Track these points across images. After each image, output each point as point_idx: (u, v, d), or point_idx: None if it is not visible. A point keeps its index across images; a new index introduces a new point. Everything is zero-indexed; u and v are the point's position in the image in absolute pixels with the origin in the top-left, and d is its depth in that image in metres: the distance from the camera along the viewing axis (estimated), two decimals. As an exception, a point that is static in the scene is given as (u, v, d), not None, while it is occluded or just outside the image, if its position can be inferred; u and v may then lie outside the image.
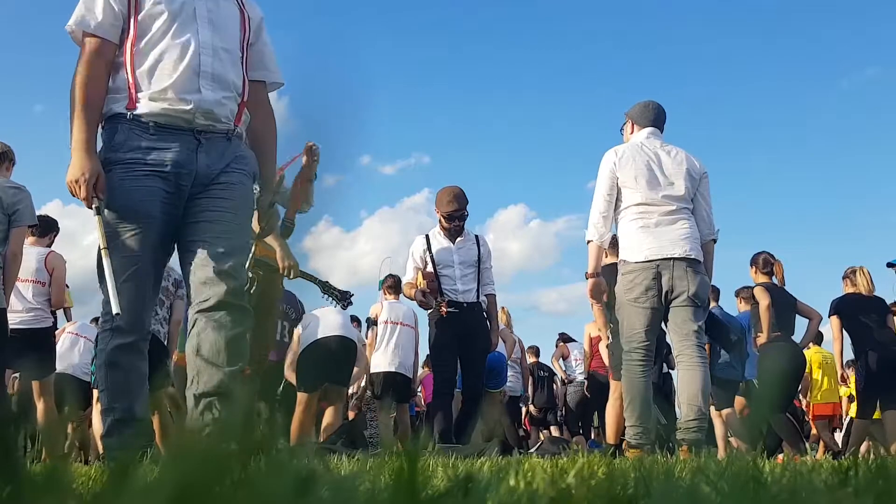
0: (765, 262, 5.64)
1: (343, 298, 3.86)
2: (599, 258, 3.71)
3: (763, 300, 5.47)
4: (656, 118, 3.85)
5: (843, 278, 5.88)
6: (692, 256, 3.54)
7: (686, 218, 3.62)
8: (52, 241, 5.10)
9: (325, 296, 3.87)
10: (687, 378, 3.43)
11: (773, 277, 5.63)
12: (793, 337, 5.60)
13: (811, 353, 7.94)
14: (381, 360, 6.19)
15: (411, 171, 27.16)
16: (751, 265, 5.73)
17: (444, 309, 4.64)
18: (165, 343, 4.70)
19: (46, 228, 5.03)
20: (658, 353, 3.93)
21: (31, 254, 4.74)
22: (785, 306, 5.52)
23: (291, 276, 3.58)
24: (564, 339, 8.75)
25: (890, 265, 5.88)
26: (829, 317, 5.73)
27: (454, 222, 4.86)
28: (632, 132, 3.88)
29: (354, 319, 7.23)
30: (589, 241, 3.66)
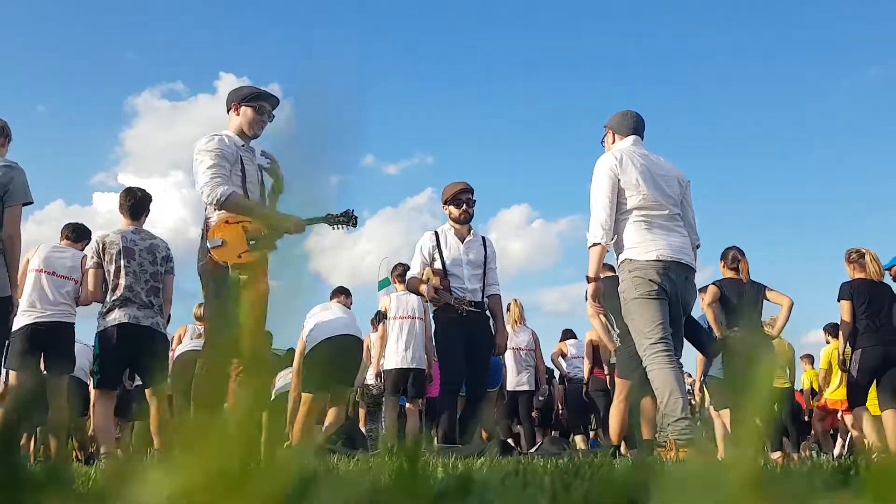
0: (733, 259, 5.67)
1: (349, 218, 3.76)
2: (601, 262, 3.74)
3: (706, 299, 5.52)
4: (636, 126, 3.92)
5: (849, 262, 5.71)
6: (692, 266, 3.70)
7: (683, 226, 3.74)
8: (84, 248, 5.22)
9: (336, 226, 3.79)
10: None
11: (739, 273, 5.62)
12: (762, 327, 5.56)
13: (830, 349, 7.84)
14: (394, 356, 6.16)
15: (415, 171, 27.15)
16: (720, 259, 5.76)
17: (464, 308, 4.61)
18: (163, 332, 4.62)
19: (80, 234, 5.25)
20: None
21: (67, 253, 5.05)
22: (747, 300, 5.47)
23: (302, 230, 3.61)
24: (567, 335, 8.72)
25: (887, 268, 5.83)
26: (839, 300, 5.62)
27: (463, 206, 4.86)
28: (613, 142, 3.95)
29: None
30: (594, 245, 3.65)
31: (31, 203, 3.83)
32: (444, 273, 4.78)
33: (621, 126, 3.93)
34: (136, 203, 4.66)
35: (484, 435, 6.57)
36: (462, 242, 4.86)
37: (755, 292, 5.55)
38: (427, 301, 4.93)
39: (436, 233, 4.92)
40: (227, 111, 3.81)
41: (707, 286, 5.65)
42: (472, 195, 4.92)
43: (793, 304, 5.55)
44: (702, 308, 5.50)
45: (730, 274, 5.63)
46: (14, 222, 3.70)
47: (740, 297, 5.50)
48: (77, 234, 5.21)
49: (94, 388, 4.57)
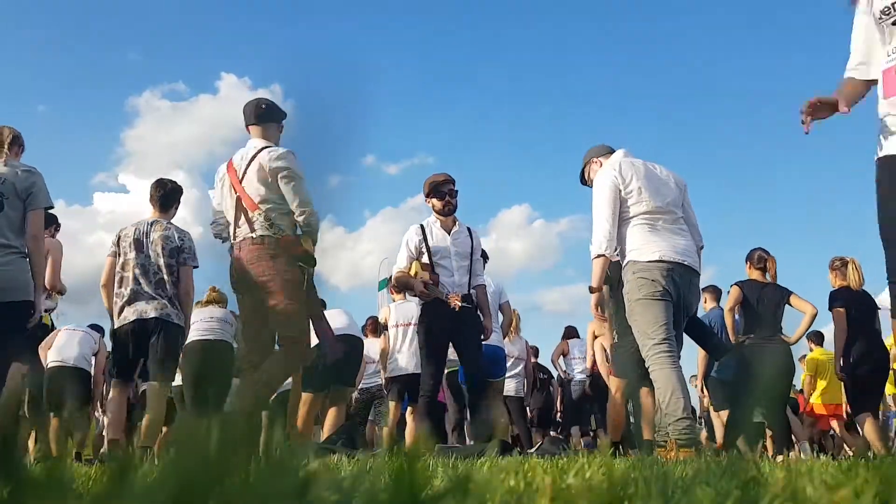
0: (759, 259, 5.58)
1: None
2: (605, 273, 3.77)
3: (728, 303, 5.52)
4: (612, 148, 4.05)
5: (832, 270, 5.74)
6: (695, 268, 3.71)
7: (685, 229, 3.77)
8: (53, 235, 5.18)
9: None
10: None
11: (767, 274, 5.56)
12: (781, 333, 5.48)
13: (814, 356, 7.90)
14: (402, 362, 6.20)
15: (416, 171, 27.22)
16: (746, 261, 5.71)
17: (455, 303, 4.54)
18: (178, 322, 4.53)
19: (47, 222, 5.10)
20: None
21: None
22: (769, 304, 5.42)
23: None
24: (569, 333, 8.70)
25: None
26: (831, 309, 5.62)
27: (446, 198, 4.80)
28: (601, 166, 3.99)
29: None
30: (598, 256, 3.69)
31: (52, 207, 3.94)
32: (431, 267, 4.72)
33: (601, 150, 4.06)
34: (166, 194, 4.68)
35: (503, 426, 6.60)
36: (448, 234, 4.81)
37: (777, 297, 5.48)
38: (415, 296, 4.88)
39: (422, 226, 4.85)
40: (264, 122, 3.92)
41: (710, 286, 5.66)
42: (454, 185, 4.86)
43: (816, 312, 5.48)
44: (725, 312, 5.52)
45: (755, 275, 5.56)
46: (38, 225, 3.77)
47: (760, 300, 5.43)
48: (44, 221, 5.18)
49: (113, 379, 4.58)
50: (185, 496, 0.35)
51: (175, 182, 4.76)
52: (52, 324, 6.13)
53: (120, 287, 4.45)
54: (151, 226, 4.57)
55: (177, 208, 4.75)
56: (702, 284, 4.15)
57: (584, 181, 4.25)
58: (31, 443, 6.32)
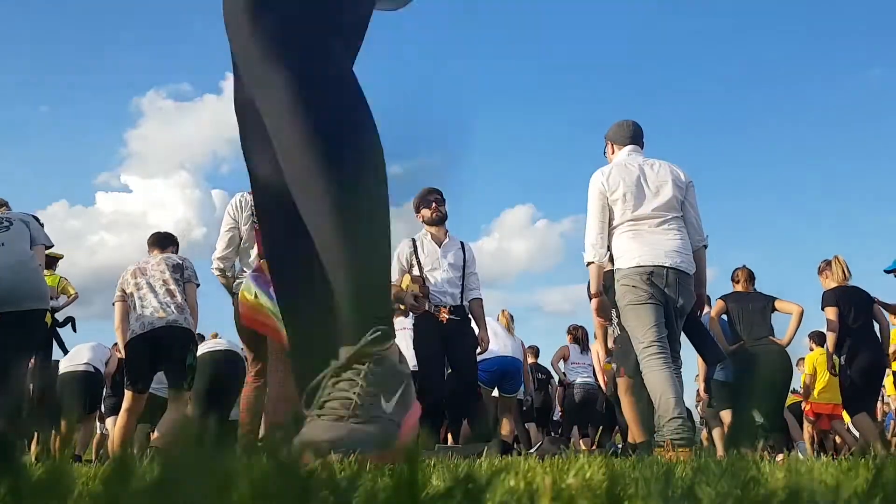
0: (737, 275, 5.85)
1: None
2: (600, 278, 3.84)
3: (712, 313, 5.70)
4: (633, 136, 4.02)
5: (820, 273, 5.96)
6: (683, 269, 3.70)
7: (677, 228, 3.77)
8: None
9: None
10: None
11: (749, 284, 5.80)
12: (772, 335, 5.60)
13: (814, 355, 7.94)
14: None
15: (418, 172, 27.24)
16: (731, 280, 5.94)
17: (444, 315, 4.58)
18: (189, 327, 4.67)
19: None
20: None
21: None
22: (754, 309, 5.60)
23: None
24: (575, 334, 8.57)
25: (888, 271, 5.90)
26: (824, 308, 5.73)
27: (433, 205, 4.86)
28: (613, 153, 4.05)
29: None
30: (589, 263, 3.78)
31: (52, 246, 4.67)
32: (422, 280, 4.76)
33: (618, 136, 4.04)
34: (161, 238, 4.94)
35: (506, 430, 6.61)
36: (439, 247, 4.85)
37: (762, 302, 5.66)
38: (406, 310, 4.90)
39: (413, 240, 4.91)
40: None
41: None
42: (441, 195, 4.94)
43: (803, 311, 5.62)
44: (710, 322, 5.66)
45: (739, 288, 5.80)
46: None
47: (745, 308, 5.63)
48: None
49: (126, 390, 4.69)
50: (185, 496, 0.35)
51: (171, 233, 5.08)
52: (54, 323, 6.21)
53: (135, 311, 4.63)
54: (149, 255, 4.86)
55: (173, 247, 4.98)
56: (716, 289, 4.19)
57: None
58: (33, 444, 6.38)
